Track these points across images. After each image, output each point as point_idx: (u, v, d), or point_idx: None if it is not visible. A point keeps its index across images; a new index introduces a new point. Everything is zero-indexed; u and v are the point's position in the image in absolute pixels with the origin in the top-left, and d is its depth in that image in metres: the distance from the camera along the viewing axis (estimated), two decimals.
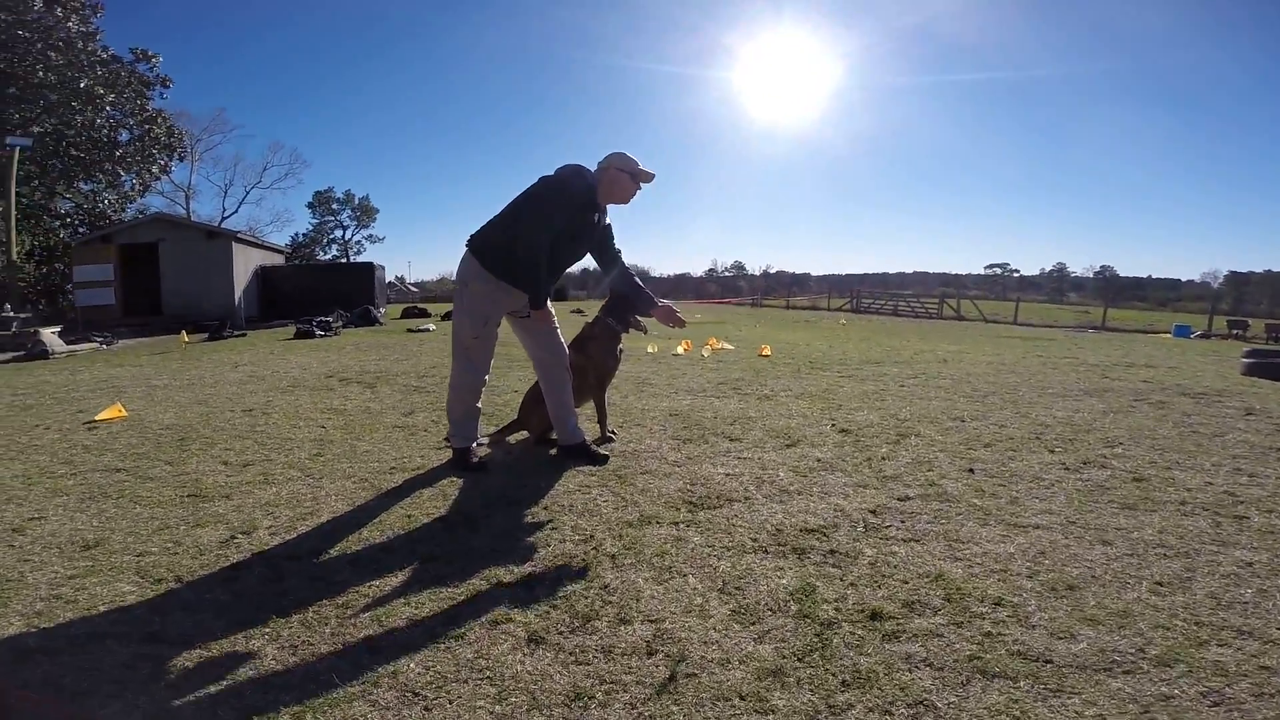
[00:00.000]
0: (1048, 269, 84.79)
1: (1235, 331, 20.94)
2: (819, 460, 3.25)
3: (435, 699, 1.50)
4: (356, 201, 55.49)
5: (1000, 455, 3.37)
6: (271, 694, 1.54)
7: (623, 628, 1.77)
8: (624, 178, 3.06)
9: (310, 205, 54.34)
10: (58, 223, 18.26)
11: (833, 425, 3.99)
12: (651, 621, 1.79)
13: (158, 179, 22.92)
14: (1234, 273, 71.56)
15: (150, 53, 20.59)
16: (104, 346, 11.36)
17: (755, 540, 2.29)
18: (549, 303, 3.32)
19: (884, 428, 3.94)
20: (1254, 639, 1.66)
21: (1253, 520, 2.45)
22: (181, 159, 24.30)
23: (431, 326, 13.23)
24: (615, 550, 2.24)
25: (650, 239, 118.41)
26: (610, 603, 1.90)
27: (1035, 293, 63.44)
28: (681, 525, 2.45)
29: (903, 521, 2.46)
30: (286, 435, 4.06)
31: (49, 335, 10.44)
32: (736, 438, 3.73)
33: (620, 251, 3.33)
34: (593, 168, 3.11)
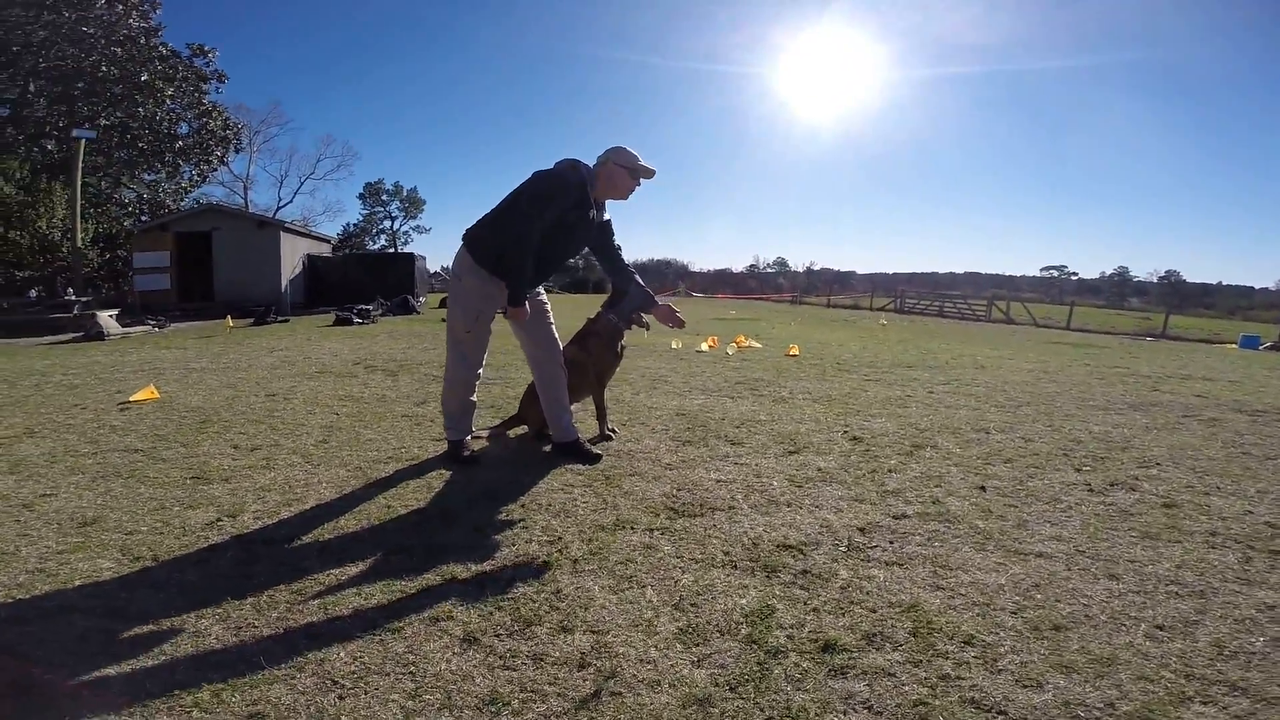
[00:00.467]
0: (1108, 272, 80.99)
1: None
2: (819, 470, 3.12)
3: (352, 689, 1.52)
4: (405, 193, 56.96)
5: (1020, 472, 3.17)
6: (202, 671, 1.58)
7: (562, 636, 1.72)
8: (622, 173, 2.99)
9: (361, 196, 56.04)
10: (122, 211, 19.22)
11: (844, 432, 3.84)
12: (593, 632, 1.73)
13: (215, 170, 23.93)
14: None
15: (206, 47, 21.50)
16: (156, 329, 11.89)
17: (727, 554, 2.19)
18: (545, 298, 3.27)
19: (899, 437, 3.77)
20: (1246, 696, 1.49)
21: None
22: (238, 151, 25.29)
23: None
24: (580, 554, 2.18)
25: (691, 233, 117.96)
26: (557, 609, 1.85)
27: (1094, 297, 60.66)
28: (656, 533, 2.37)
29: (891, 542, 2.31)
30: (300, 421, 4.14)
31: (105, 318, 10.97)
32: (739, 441, 3.62)
33: (620, 248, 3.26)
34: (592, 162, 3.04)
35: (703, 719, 1.42)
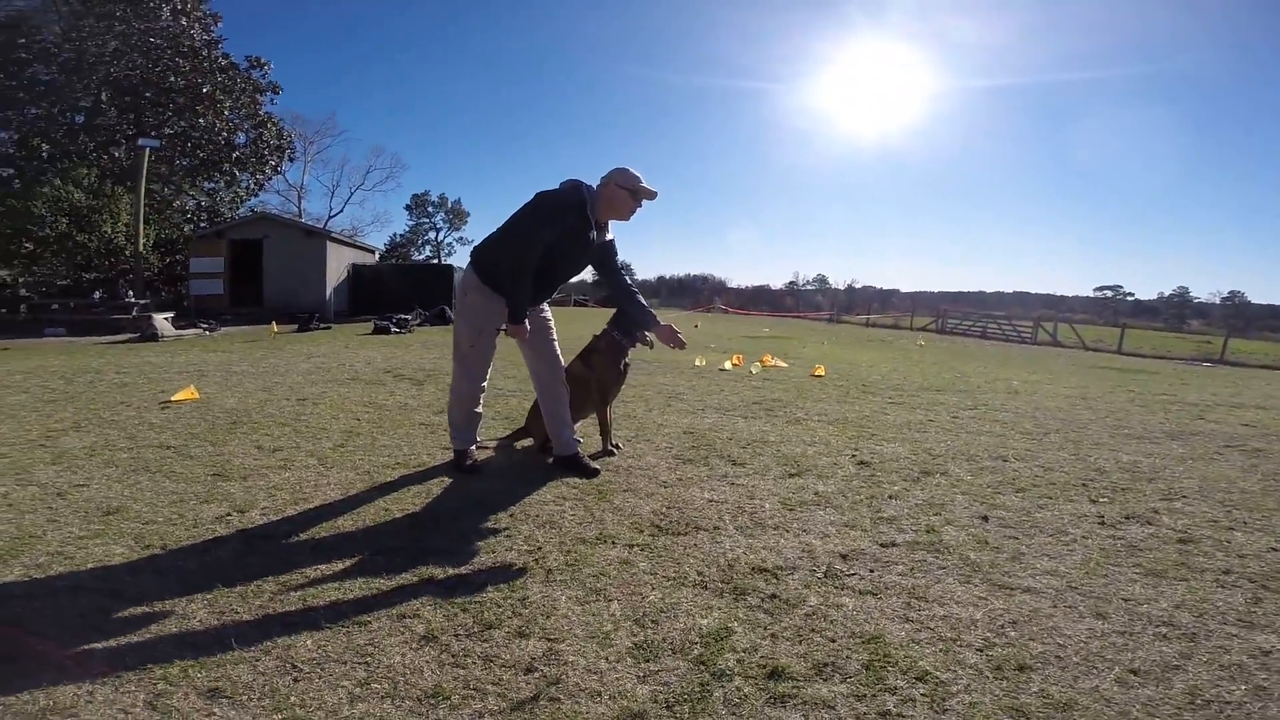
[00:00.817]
0: (1167, 293, 77.26)
1: None
2: (817, 494, 3.08)
3: (308, 674, 1.61)
4: (450, 205, 58.42)
5: (1030, 503, 3.07)
6: (179, 649, 1.70)
7: (517, 641, 1.77)
8: (623, 194, 3.04)
9: (408, 207, 57.74)
10: (182, 217, 20.30)
11: (853, 456, 3.78)
12: (548, 640, 1.77)
13: (269, 179, 25.05)
14: None
15: (263, 60, 22.63)
16: (207, 333, 12.48)
17: (701, 574, 2.19)
18: (549, 315, 3.33)
19: (909, 463, 3.70)
20: None
21: None
22: (291, 160, 26.37)
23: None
24: (556, 565, 2.22)
25: (729, 250, 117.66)
26: (519, 615, 1.90)
27: (1151, 319, 58.00)
28: (635, 549, 2.39)
29: (871, 570, 2.26)
30: (323, 425, 4.30)
31: (161, 320, 11.58)
32: (741, 462, 3.60)
33: (623, 267, 3.32)
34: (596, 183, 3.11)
35: None
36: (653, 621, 1.88)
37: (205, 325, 13.17)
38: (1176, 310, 69.85)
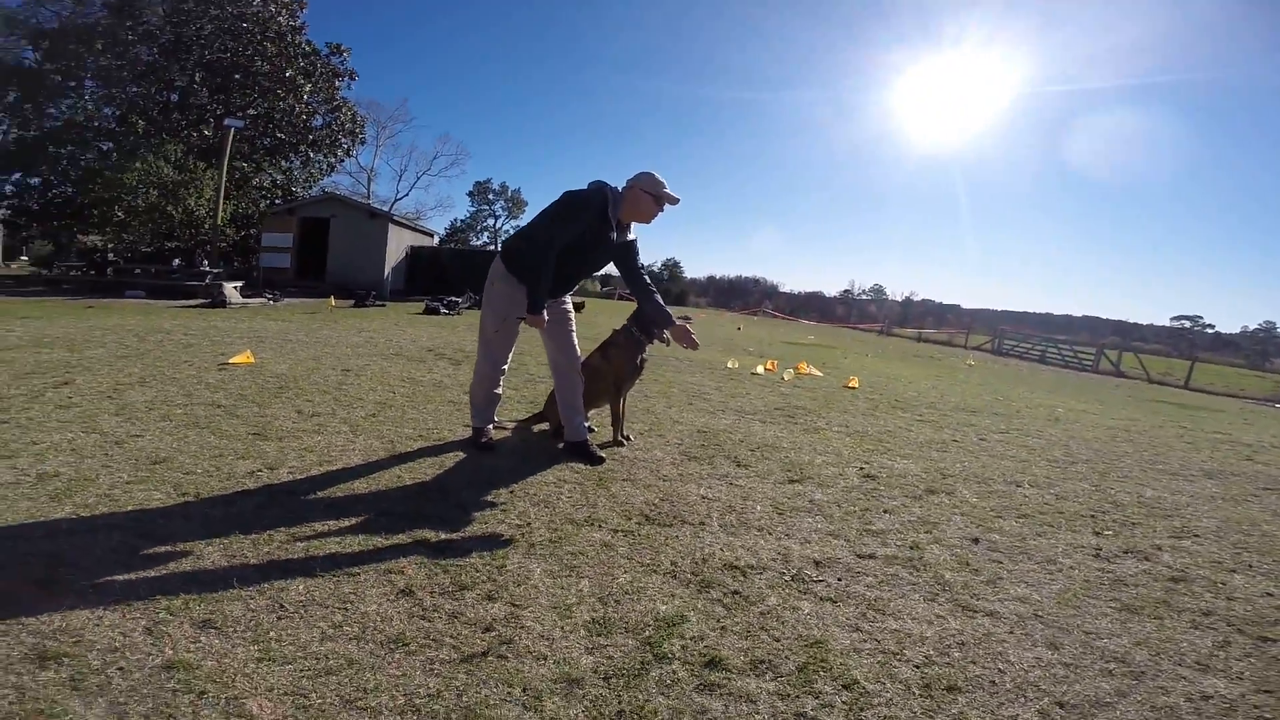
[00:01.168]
0: (1251, 327, 72.17)
1: None
2: (812, 502, 3.13)
3: (292, 613, 1.80)
4: (510, 193, 59.71)
5: (1028, 529, 3.05)
6: (187, 585, 1.90)
7: (485, 603, 1.92)
8: (646, 198, 3.16)
9: (470, 194, 59.33)
10: (259, 194, 21.47)
11: (860, 469, 3.80)
12: (513, 605, 1.92)
13: (341, 161, 26.17)
14: None
15: (342, 46, 23.65)
16: (271, 302, 13.20)
17: (674, 564, 2.29)
18: (569, 307, 3.48)
19: (916, 480, 3.70)
20: None
21: (1277, 646, 2.08)
22: (363, 144, 27.48)
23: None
24: (540, 540, 2.37)
25: (784, 254, 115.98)
26: (494, 580, 2.06)
27: (1231, 354, 54.32)
28: (620, 534, 2.51)
29: (839, 579, 2.30)
30: (360, 395, 4.58)
31: (230, 289, 12.32)
32: (746, 464, 3.68)
33: (644, 267, 3.43)
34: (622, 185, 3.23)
35: (563, 695, 1.56)
36: (615, 601, 1.99)
37: (270, 295, 13.93)
38: (1260, 346, 65.18)
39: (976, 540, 2.82)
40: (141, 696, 1.44)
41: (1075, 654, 1.95)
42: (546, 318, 3.16)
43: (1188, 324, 73.25)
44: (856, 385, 7.85)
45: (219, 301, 11.56)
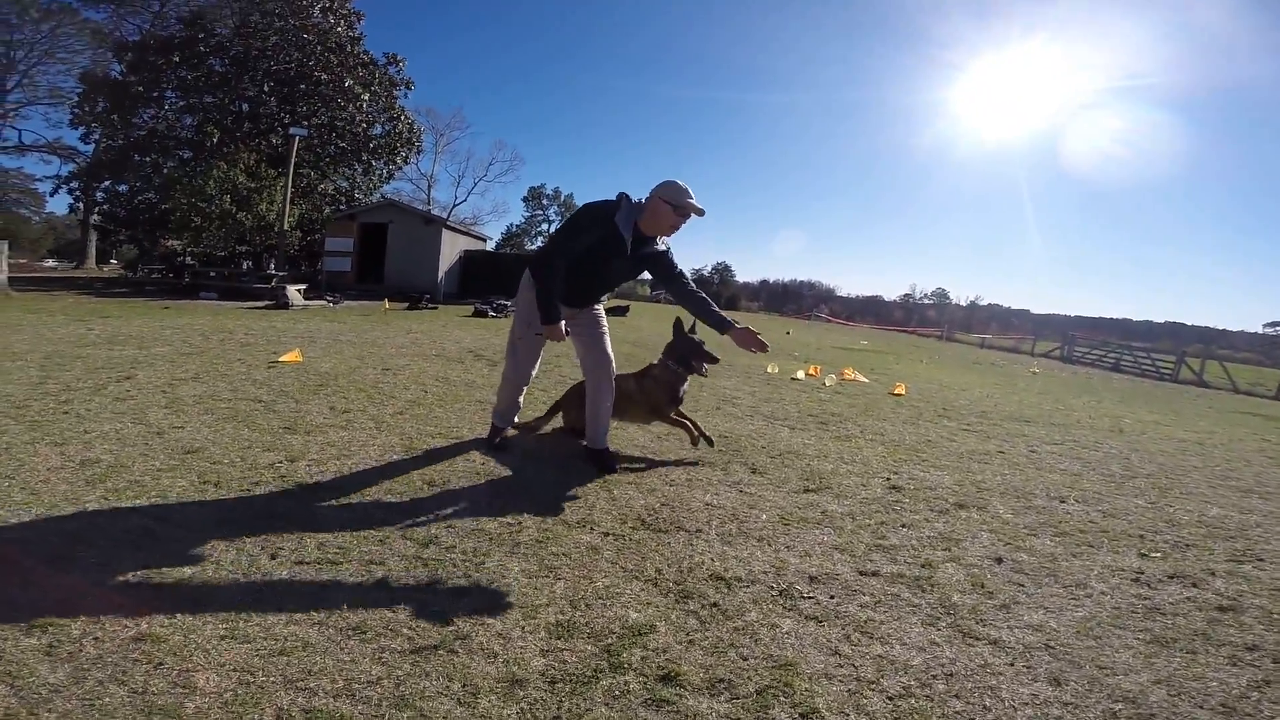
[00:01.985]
0: None
1: None
2: (824, 513, 2.99)
3: (267, 596, 1.89)
4: (563, 199, 60.62)
5: (1062, 549, 2.83)
6: (180, 559, 2.02)
7: (454, 597, 1.94)
8: (666, 208, 3.07)
9: (525, 199, 60.57)
10: (323, 200, 22.51)
11: (887, 480, 3.63)
12: (481, 601, 1.92)
13: (400, 169, 27.12)
14: None
15: (399, 57, 24.52)
16: (330, 305, 13.80)
17: (658, 571, 2.23)
18: (600, 313, 3.45)
19: (947, 493, 3.51)
20: None
21: None
22: (420, 152, 28.38)
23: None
24: (526, 540, 2.37)
25: (843, 256, 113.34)
26: (469, 576, 2.07)
27: None
28: (610, 538, 2.48)
29: (831, 597, 2.16)
30: (393, 394, 4.72)
31: (293, 291, 12.94)
32: (762, 471, 3.58)
33: (684, 275, 3.32)
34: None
35: (502, 695, 1.54)
36: (586, 605, 1.96)
37: (330, 298, 14.56)
38: None
39: (1000, 560, 2.63)
40: (104, 665, 1.53)
41: (1079, 691, 1.75)
42: (567, 329, 3.15)
43: None
44: (903, 392, 7.57)
45: (282, 303, 12.16)
